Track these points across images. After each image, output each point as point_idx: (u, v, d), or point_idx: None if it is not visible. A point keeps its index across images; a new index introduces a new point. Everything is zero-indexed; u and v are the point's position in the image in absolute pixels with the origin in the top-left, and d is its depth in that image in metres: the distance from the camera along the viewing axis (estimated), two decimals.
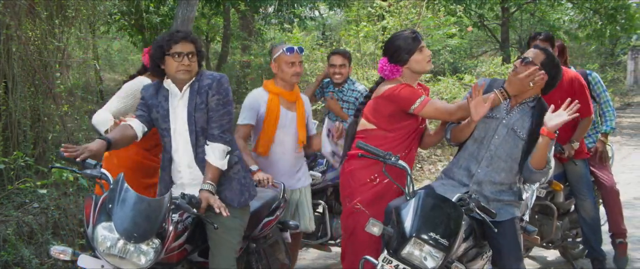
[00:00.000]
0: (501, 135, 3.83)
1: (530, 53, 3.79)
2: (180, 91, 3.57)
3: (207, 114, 3.53)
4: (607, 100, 5.48)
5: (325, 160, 5.57)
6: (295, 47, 4.51)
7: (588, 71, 5.54)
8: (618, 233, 5.50)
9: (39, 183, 5.32)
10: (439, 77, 11.63)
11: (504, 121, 3.84)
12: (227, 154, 3.55)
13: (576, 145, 5.07)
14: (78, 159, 3.18)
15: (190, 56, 3.50)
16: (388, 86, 4.03)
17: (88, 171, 3.32)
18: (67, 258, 3.10)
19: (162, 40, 3.54)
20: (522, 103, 3.86)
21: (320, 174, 5.33)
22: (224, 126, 3.55)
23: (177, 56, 3.48)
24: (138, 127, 3.60)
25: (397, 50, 3.98)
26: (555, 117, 3.59)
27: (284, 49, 4.47)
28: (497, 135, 3.83)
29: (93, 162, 3.32)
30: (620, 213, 5.53)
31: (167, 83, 3.61)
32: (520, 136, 3.80)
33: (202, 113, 3.53)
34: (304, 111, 4.69)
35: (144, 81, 4.20)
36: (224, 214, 3.36)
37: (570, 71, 5.09)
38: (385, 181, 3.94)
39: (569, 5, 22.26)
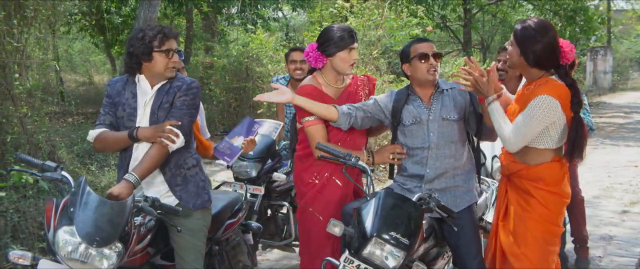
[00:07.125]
0: (435, 130, 3.86)
1: (423, 47, 3.84)
2: (151, 89, 3.50)
3: (169, 113, 3.47)
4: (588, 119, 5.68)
5: (289, 161, 5.58)
6: None
7: (583, 92, 5.79)
8: (580, 239, 5.66)
9: None
10: (402, 78, 11.71)
11: (430, 118, 3.87)
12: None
13: None
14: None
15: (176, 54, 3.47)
16: (302, 84, 3.99)
17: (48, 174, 3.28)
18: (27, 262, 3.05)
19: (149, 35, 3.41)
20: (433, 94, 3.92)
21: (284, 176, 5.35)
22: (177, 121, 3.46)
23: (169, 53, 3.42)
24: None
25: (328, 41, 3.89)
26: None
27: None
28: (431, 132, 3.86)
29: (53, 164, 3.28)
30: (583, 220, 5.67)
31: (141, 79, 3.52)
32: (453, 119, 3.86)
33: (164, 112, 3.47)
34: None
35: None
36: None
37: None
38: (326, 175, 3.95)
39: (530, 7, 22.66)
